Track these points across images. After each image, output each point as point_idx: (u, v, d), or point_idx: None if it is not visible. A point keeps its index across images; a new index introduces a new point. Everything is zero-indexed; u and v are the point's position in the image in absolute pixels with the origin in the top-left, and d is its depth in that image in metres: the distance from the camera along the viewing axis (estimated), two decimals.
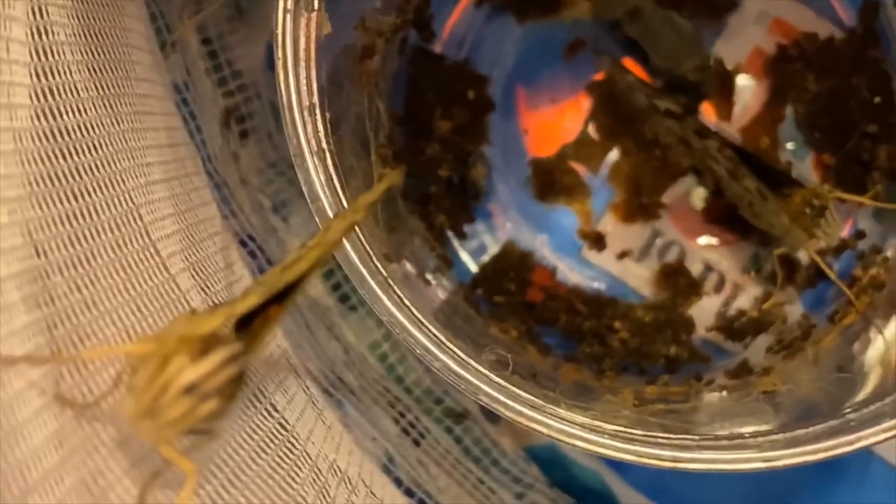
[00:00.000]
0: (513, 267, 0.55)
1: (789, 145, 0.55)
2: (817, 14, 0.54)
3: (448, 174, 0.54)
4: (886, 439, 0.39)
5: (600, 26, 0.55)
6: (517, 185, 0.55)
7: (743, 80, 0.55)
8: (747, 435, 0.40)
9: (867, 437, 0.39)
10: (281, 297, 0.37)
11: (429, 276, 0.52)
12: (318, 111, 0.40)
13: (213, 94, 0.52)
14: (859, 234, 0.53)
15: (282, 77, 0.39)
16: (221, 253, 0.49)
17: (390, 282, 0.40)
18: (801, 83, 0.54)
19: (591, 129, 0.55)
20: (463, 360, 0.40)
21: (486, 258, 0.55)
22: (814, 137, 0.54)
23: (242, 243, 0.52)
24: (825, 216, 0.50)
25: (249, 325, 0.36)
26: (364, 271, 0.40)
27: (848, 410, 0.40)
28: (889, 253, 0.52)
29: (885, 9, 0.53)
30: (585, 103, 0.55)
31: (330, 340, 0.53)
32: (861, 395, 0.43)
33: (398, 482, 0.51)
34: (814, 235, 0.51)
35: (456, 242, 0.55)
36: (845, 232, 0.54)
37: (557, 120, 0.56)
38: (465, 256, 0.55)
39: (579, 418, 0.40)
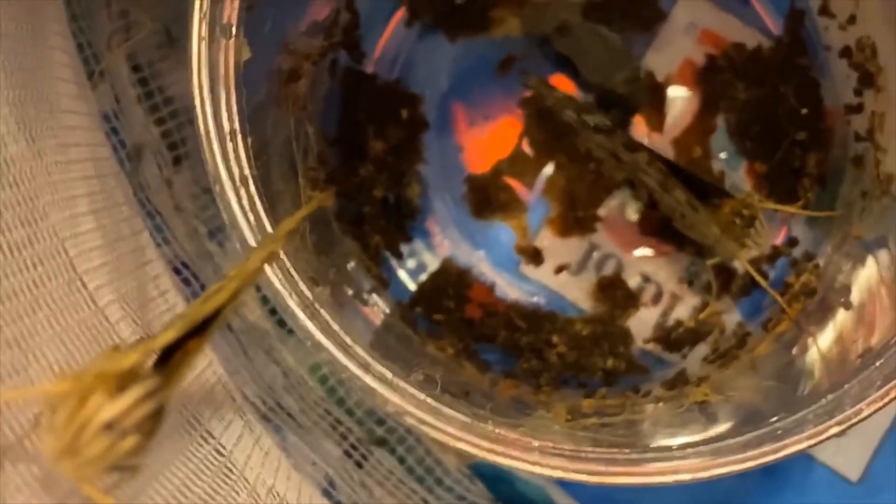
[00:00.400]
0: (451, 284, 0.55)
1: (722, 155, 0.55)
2: (745, 23, 0.55)
3: (383, 194, 0.54)
4: (810, 447, 0.39)
5: (531, 42, 0.55)
6: (454, 203, 0.56)
7: (674, 92, 0.55)
8: (675, 447, 0.40)
9: (791, 446, 0.39)
10: (201, 330, 0.37)
11: (365, 297, 0.52)
12: (239, 137, 0.40)
13: (145, 121, 0.52)
14: (792, 242, 0.54)
15: (198, 104, 0.39)
16: (153, 282, 0.49)
17: (316, 305, 0.40)
18: (731, 93, 0.55)
19: (525, 145, 0.55)
20: (390, 380, 0.40)
21: (425, 276, 0.55)
22: (745, 146, 0.55)
23: (176, 271, 0.52)
24: (755, 225, 0.50)
25: (171, 358, 0.36)
26: (285, 295, 0.40)
27: (775, 419, 0.41)
28: (820, 260, 0.52)
29: (811, 17, 0.53)
30: (519, 119, 0.56)
31: (269, 365, 0.53)
32: (796, 402, 0.43)
33: None
34: (744, 245, 0.51)
35: (394, 262, 0.55)
36: (779, 239, 0.54)
37: (491, 136, 0.56)
38: (403, 276, 0.55)
39: (508, 435, 0.40)
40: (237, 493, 0.44)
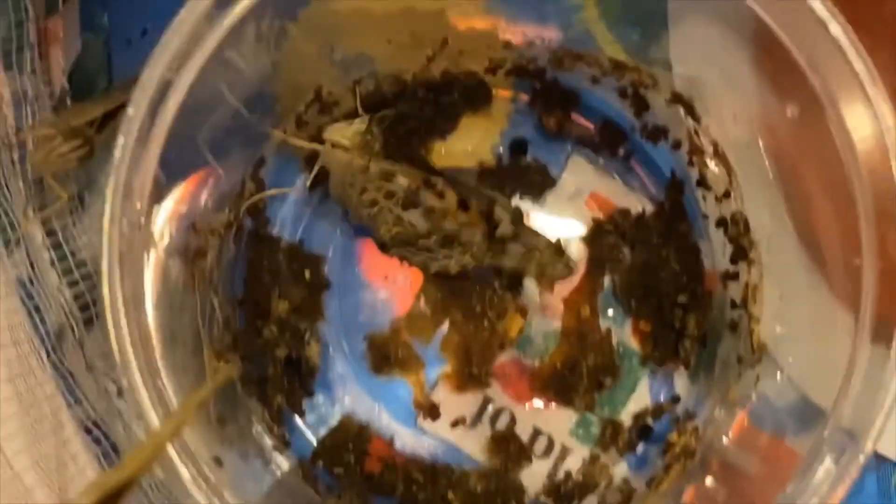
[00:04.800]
0: (351, 439, 0.56)
1: (609, 312, 0.58)
2: (629, 189, 0.58)
3: (286, 353, 0.56)
4: None
5: None
6: (354, 359, 0.58)
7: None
8: None
9: None
10: (115, 497, 0.38)
11: (267, 456, 0.53)
12: (151, 328, 0.42)
13: (58, 284, 0.54)
14: (675, 399, 0.57)
15: (109, 309, 0.41)
16: (65, 445, 0.50)
17: (220, 489, 0.42)
18: (617, 255, 0.58)
19: (422, 303, 0.58)
20: None
21: (325, 430, 0.57)
22: (630, 306, 0.57)
23: (87, 430, 0.53)
24: None
25: None
26: (189, 481, 0.41)
27: None
28: (700, 420, 0.55)
29: (690, 187, 0.56)
30: (416, 279, 0.58)
31: None
32: None
33: None
34: None
35: (297, 418, 0.57)
36: (662, 396, 0.57)
37: (390, 295, 0.58)
38: (305, 430, 0.57)
39: None
40: None
